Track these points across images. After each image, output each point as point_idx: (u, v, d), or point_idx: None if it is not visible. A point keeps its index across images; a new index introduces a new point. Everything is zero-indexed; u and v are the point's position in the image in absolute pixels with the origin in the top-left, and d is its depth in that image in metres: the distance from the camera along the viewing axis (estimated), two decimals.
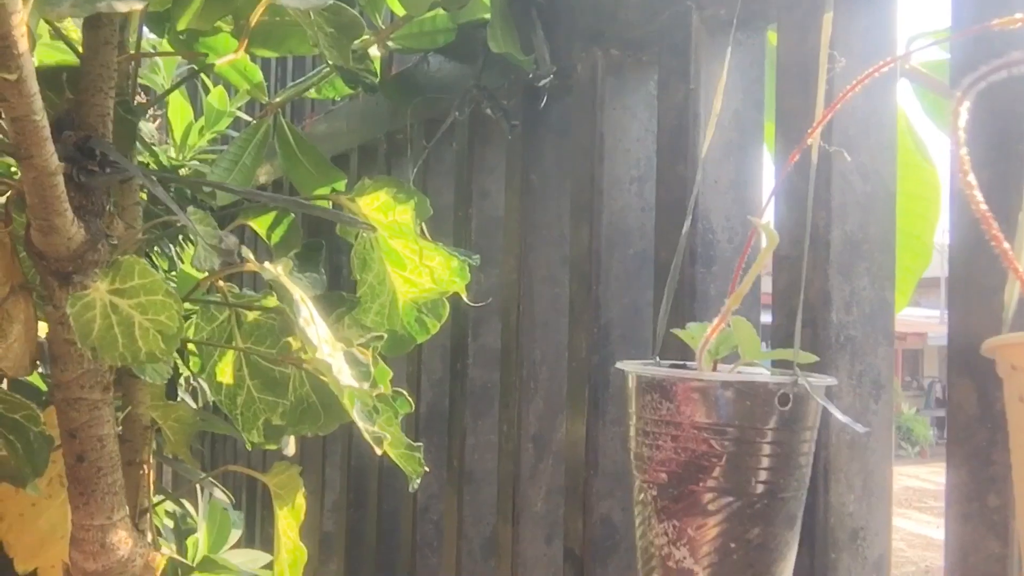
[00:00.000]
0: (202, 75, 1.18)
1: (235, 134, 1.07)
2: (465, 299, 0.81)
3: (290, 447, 0.92)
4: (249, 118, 1.33)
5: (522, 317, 0.88)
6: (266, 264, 0.70)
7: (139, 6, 0.50)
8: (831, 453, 0.55)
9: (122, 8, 0.49)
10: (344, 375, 0.68)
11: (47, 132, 0.48)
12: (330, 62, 0.87)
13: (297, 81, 1.14)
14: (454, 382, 0.97)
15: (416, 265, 0.85)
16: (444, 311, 0.86)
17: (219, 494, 0.93)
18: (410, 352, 0.87)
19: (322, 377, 0.82)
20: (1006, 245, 0.36)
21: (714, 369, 0.52)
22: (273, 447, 0.85)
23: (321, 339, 0.67)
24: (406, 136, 1.12)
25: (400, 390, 0.81)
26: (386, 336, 0.82)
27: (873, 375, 0.57)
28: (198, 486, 0.98)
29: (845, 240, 0.57)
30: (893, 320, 0.59)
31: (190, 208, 0.71)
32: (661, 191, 0.70)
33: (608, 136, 0.78)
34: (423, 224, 0.82)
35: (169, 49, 0.90)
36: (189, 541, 1.00)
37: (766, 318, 0.63)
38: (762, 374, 0.54)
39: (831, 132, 0.56)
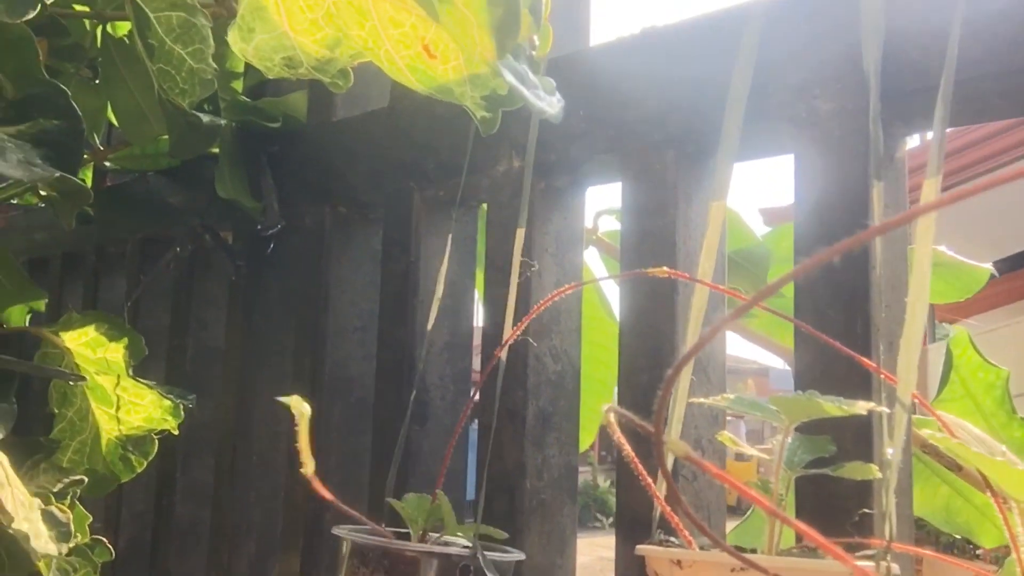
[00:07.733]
0: None
1: None
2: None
3: None
4: None
5: (238, 456, 0.87)
6: None
7: None
8: None
9: None
10: (42, 541, 0.64)
11: None
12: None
13: None
14: (159, 518, 0.93)
15: (125, 403, 0.83)
16: (152, 448, 0.83)
17: None
18: None
19: (10, 531, 0.76)
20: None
21: (423, 537, 0.58)
22: None
23: (18, 504, 0.63)
24: (118, 251, 1.08)
25: (100, 538, 0.77)
26: (86, 479, 0.78)
27: (560, 532, 0.66)
28: None
29: (538, 415, 0.65)
30: (576, 480, 0.68)
31: None
32: (382, 354, 0.75)
33: (333, 288, 0.82)
34: None
35: None
36: None
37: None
38: (457, 544, 0.60)
39: (528, 323, 0.65)
